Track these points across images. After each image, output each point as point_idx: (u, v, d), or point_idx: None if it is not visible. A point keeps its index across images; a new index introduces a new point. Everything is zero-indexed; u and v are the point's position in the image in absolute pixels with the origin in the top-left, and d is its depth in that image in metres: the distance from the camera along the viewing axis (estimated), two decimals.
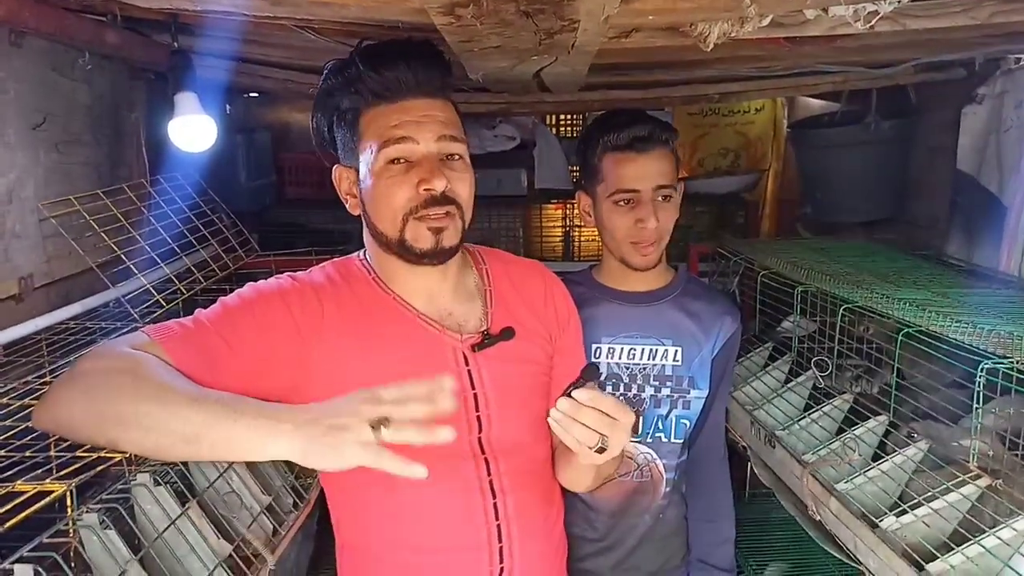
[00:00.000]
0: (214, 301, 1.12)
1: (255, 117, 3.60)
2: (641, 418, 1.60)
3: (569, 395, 1.03)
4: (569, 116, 3.86)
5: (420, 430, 0.89)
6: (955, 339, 1.39)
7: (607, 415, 1.02)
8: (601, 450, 1.04)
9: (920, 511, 1.30)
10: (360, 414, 0.88)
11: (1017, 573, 1.13)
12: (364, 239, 1.22)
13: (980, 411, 1.28)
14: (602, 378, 1.59)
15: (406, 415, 0.89)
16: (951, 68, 2.38)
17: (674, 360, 1.60)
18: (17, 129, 1.78)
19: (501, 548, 1.16)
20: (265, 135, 3.49)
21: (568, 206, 3.81)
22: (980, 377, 1.26)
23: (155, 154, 2.43)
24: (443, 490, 1.14)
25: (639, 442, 1.61)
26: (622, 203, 1.51)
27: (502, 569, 1.17)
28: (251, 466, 1.65)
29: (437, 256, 1.14)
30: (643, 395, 1.60)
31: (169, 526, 1.32)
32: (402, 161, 1.11)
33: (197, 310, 1.09)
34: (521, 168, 3.65)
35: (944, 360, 1.44)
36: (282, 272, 1.19)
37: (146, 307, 1.96)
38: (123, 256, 1.97)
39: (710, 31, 1.45)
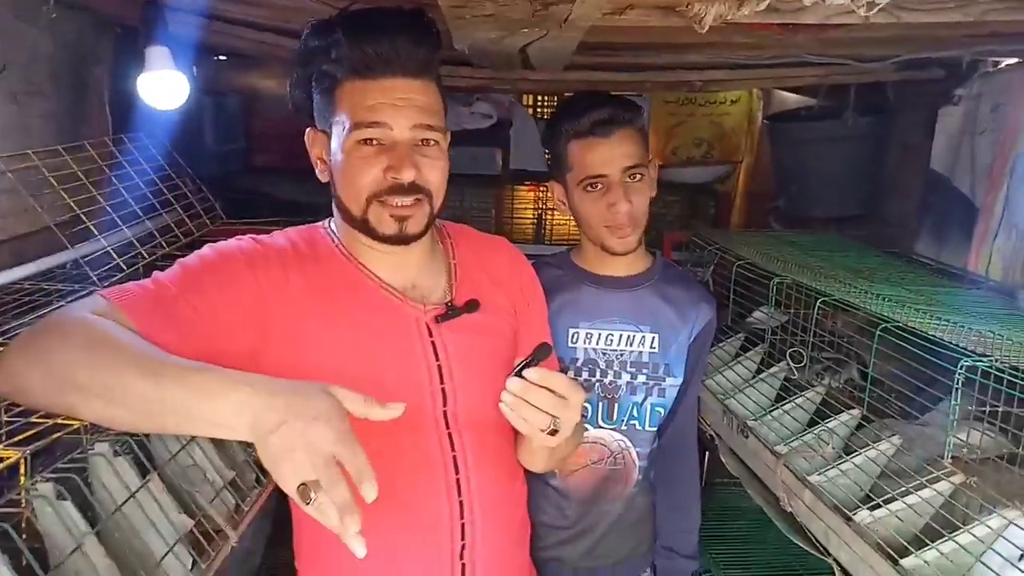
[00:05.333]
0: None
1: (224, 81, 3.48)
2: (617, 405, 1.59)
3: (519, 374, 1.00)
4: (546, 97, 3.82)
5: (343, 508, 0.81)
6: (934, 336, 1.39)
7: (558, 395, 1.01)
8: (553, 432, 1.03)
9: (894, 506, 1.30)
10: (300, 455, 0.81)
11: (989, 569, 1.14)
12: (332, 207, 1.19)
13: (957, 408, 1.28)
14: (578, 362, 1.57)
15: (336, 495, 0.80)
16: (930, 67, 2.39)
17: (651, 347, 1.58)
18: None
19: (463, 525, 1.14)
20: (234, 99, 3.39)
21: (541, 189, 3.78)
22: (959, 375, 1.27)
23: (119, 112, 2.34)
24: (404, 464, 1.12)
25: (614, 429, 1.60)
26: (591, 188, 1.49)
27: (463, 546, 1.15)
28: (214, 440, 1.59)
29: (401, 241, 1.12)
30: (619, 382, 1.59)
31: (128, 499, 1.26)
32: (374, 143, 1.08)
33: (155, 272, 1.05)
34: (496, 147, 3.60)
35: (921, 356, 1.44)
36: None
37: (105, 270, 1.88)
38: (83, 216, 1.89)
39: (706, 12, 1.42)
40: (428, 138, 1.11)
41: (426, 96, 1.11)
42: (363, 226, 1.12)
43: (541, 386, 1.01)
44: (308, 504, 0.80)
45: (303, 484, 0.80)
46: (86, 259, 1.88)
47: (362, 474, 0.82)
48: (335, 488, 0.80)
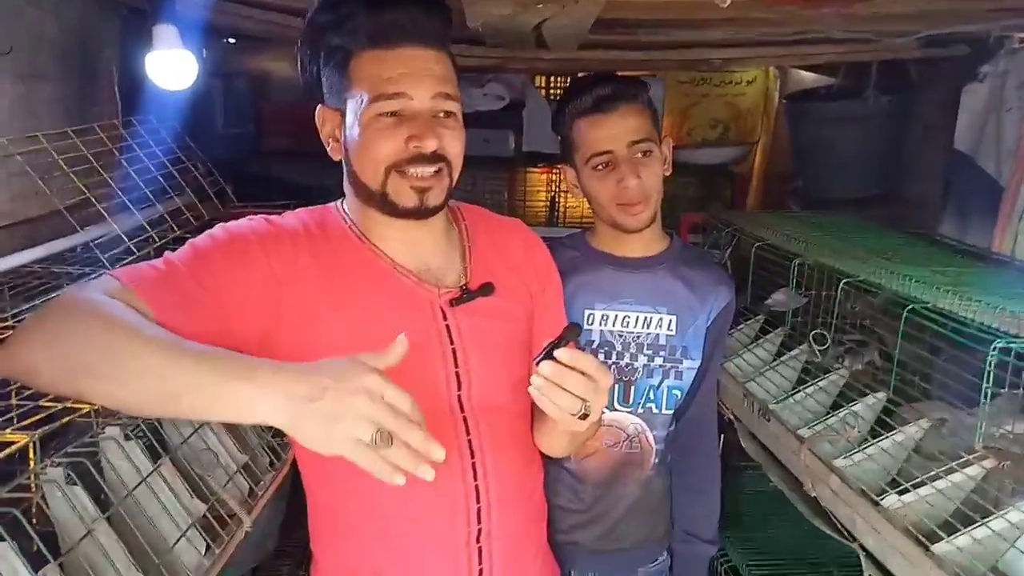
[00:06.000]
0: None
1: (233, 64, 3.45)
2: (633, 388, 1.56)
3: (551, 356, 0.96)
4: (559, 79, 3.77)
5: (414, 458, 0.83)
6: (964, 317, 1.35)
7: (589, 377, 0.97)
8: (584, 416, 0.99)
9: (923, 491, 1.27)
10: (358, 408, 0.81)
11: None
12: (344, 187, 1.17)
13: (989, 391, 1.24)
14: (594, 344, 1.54)
15: (408, 437, 0.82)
16: (954, 44, 2.33)
17: (668, 329, 1.55)
18: None
19: (479, 509, 1.13)
20: (244, 82, 3.36)
21: (554, 171, 3.74)
22: (992, 356, 1.22)
23: (128, 95, 2.31)
24: None
25: (630, 412, 1.57)
26: (600, 167, 1.47)
27: (480, 531, 1.13)
28: (227, 424, 1.57)
29: (420, 215, 1.10)
30: (635, 364, 1.56)
31: (140, 483, 1.23)
32: (393, 114, 1.06)
33: (166, 252, 1.03)
34: (509, 129, 3.56)
35: (949, 337, 1.40)
36: None
37: (116, 253, 1.86)
38: (93, 199, 1.87)
39: None
40: (447, 109, 1.09)
41: (442, 66, 1.09)
42: (381, 200, 1.09)
43: (572, 368, 0.97)
44: (382, 446, 0.81)
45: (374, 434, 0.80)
46: (96, 242, 1.86)
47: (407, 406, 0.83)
48: (409, 432, 0.82)
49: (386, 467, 0.81)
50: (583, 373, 0.97)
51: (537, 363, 0.98)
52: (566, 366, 0.96)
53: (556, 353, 0.96)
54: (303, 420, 0.81)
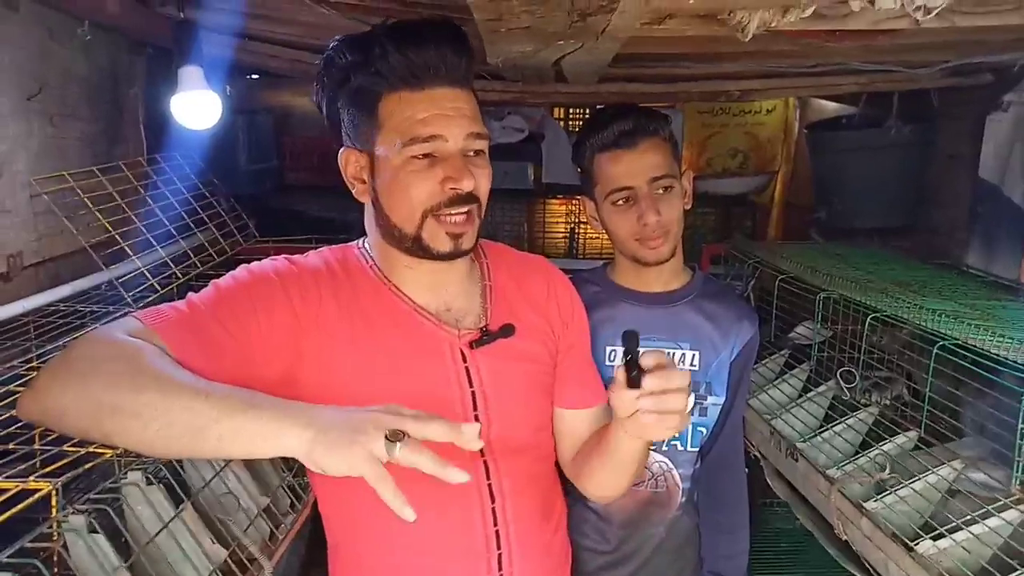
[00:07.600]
0: None
1: (256, 100, 3.50)
2: None
3: (637, 371, 0.90)
4: (578, 110, 3.78)
5: (433, 458, 0.83)
6: (997, 354, 1.32)
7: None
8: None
9: (959, 536, 1.23)
10: (379, 423, 0.82)
11: None
12: (366, 226, 1.15)
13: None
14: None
15: (425, 435, 0.83)
16: (978, 73, 2.31)
17: (691, 365, 1.53)
18: (10, 98, 1.69)
19: (500, 555, 1.10)
20: (267, 117, 3.40)
21: (573, 202, 3.73)
22: None
23: (153, 133, 2.35)
24: (439, 493, 1.05)
25: (654, 450, 1.54)
26: (620, 202, 1.44)
27: None
28: (249, 465, 1.56)
29: (453, 259, 1.08)
30: None
31: (161, 530, 1.22)
32: (427, 155, 1.04)
33: (189, 293, 1.02)
34: (528, 162, 3.57)
35: (982, 376, 1.36)
36: None
37: (140, 291, 1.88)
38: (118, 237, 1.89)
39: (750, 20, 1.37)
40: (478, 148, 1.07)
41: (471, 105, 1.08)
42: (414, 243, 1.07)
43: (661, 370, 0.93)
44: (399, 447, 0.81)
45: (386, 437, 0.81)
46: (121, 280, 1.87)
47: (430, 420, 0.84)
48: (422, 427, 0.83)
49: (394, 493, 0.82)
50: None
51: (636, 384, 0.92)
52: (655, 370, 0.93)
53: (642, 361, 0.90)
54: (321, 442, 0.81)
